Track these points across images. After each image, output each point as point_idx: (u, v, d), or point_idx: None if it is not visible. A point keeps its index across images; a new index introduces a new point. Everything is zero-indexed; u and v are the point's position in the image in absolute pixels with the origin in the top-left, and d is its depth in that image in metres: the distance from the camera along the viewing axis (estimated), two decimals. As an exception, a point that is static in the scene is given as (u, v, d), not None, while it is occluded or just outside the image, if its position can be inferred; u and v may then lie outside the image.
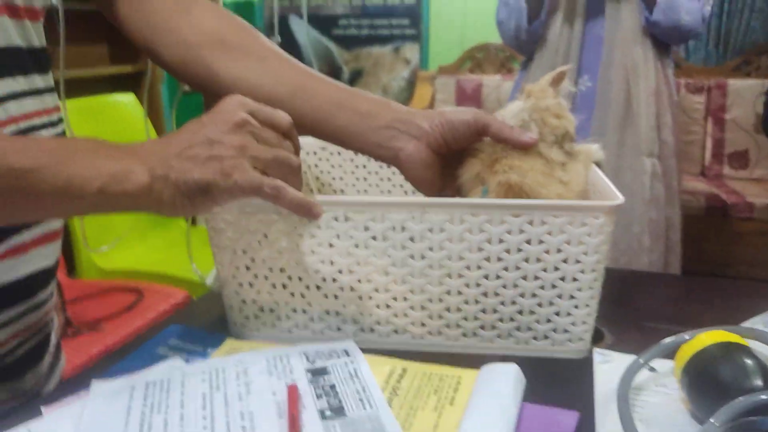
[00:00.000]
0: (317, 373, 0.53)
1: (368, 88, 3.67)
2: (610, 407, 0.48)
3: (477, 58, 3.35)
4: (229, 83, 0.62)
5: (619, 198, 0.54)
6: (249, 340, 0.62)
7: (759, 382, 0.43)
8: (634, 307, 0.71)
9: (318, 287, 0.59)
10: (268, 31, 3.70)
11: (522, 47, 1.55)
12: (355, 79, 3.69)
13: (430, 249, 0.56)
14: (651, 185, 1.43)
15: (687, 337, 0.50)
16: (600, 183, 0.62)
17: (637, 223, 1.43)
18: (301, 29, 3.67)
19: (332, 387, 0.51)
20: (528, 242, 0.54)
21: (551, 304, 0.57)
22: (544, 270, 0.55)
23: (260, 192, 0.50)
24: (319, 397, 0.49)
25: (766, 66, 2.99)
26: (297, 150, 0.55)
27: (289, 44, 3.66)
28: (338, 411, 0.48)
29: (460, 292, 0.57)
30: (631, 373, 0.50)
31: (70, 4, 2.18)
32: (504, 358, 0.58)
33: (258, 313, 0.61)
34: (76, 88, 1.98)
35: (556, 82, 0.64)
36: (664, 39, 1.43)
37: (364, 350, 0.57)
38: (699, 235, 2.59)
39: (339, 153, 0.86)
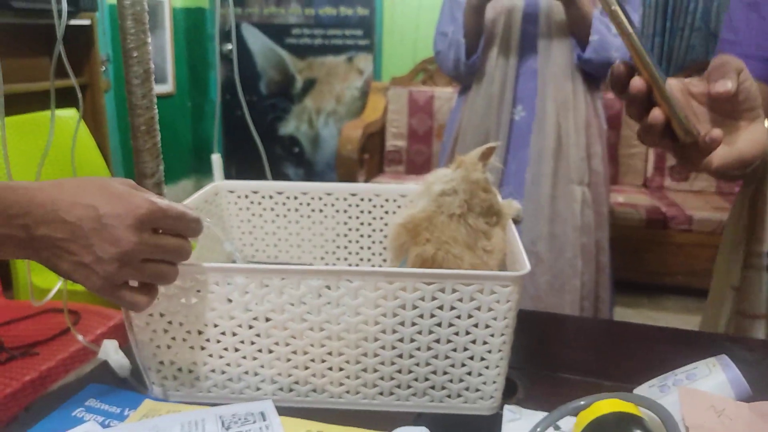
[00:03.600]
0: None
1: (322, 97, 3.67)
2: None
3: (429, 70, 3.39)
4: None
5: (526, 267, 0.56)
6: (168, 402, 0.62)
7: None
8: (551, 355, 0.74)
9: (236, 349, 0.60)
10: (221, 39, 3.66)
11: (460, 78, 1.59)
12: (308, 88, 3.68)
13: (346, 314, 0.57)
14: (582, 212, 1.49)
15: (583, 403, 0.52)
16: (514, 248, 0.64)
17: (570, 248, 1.49)
18: (254, 37, 3.64)
19: None
20: (440, 308, 0.56)
21: (463, 365, 0.59)
22: (456, 334, 0.57)
23: (132, 309, 0.54)
24: None
25: (705, 83, 3.11)
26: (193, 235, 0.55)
27: (242, 52, 3.62)
28: None
29: (376, 354, 0.58)
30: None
31: (8, 18, 2.11)
32: (419, 416, 0.60)
33: (176, 374, 0.61)
34: (15, 103, 1.92)
35: (485, 156, 0.67)
36: (594, 74, 1.50)
37: (283, 410, 0.58)
38: (639, 246, 2.70)
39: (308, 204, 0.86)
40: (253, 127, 1.14)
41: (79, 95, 0.96)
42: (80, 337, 0.66)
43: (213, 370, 0.61)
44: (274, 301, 0.57)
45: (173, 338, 0.60)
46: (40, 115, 1.86)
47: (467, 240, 0.63)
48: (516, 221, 0.70)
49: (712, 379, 0.56)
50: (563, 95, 1.47)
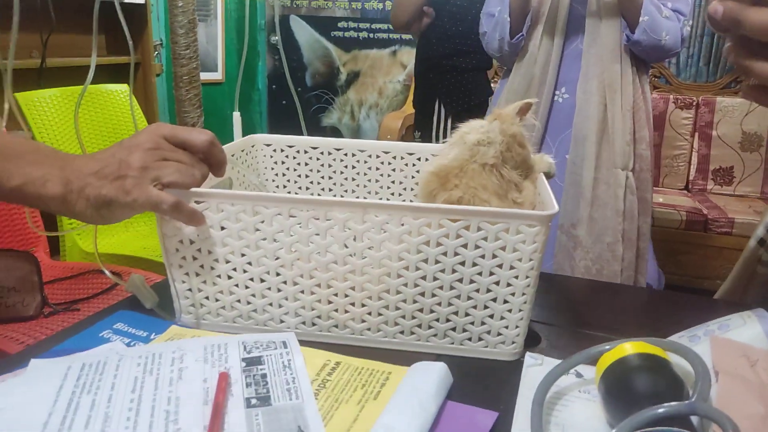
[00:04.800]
0: (251, 362, 0.54)
1: (365, 89, 3.69)
2: (528, 409, 0.50)
3: None
4: None
5: (554, 208, 0.55)
6: (194, 328, 0.63)
7: (673, 395, 0.44)
8: (574, 314, 0.73)
9: (262, 280, 0.61)
10: (269, 29, 3.72)
11: (504, 58, 1.58)
12: (351, 80, 3.71)
13: (371, 248, 0.57)
14: (624, 197, 1.46)
15: (609, 346, 0.51)
16: (543, 192, 0.63)
17: (610, 232, 1.46)
18: (302, 29, 3.69)
19: (263, 376, 0.52)
20: (465, 246, 0.56)
21: (486, 307, 0.58)
22: (480, 274, 0.57)
23: (158, 208, 0.55)
24: (248, 385, 0.51)
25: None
26: (217, 163, 0.61)
27: (289, 43, 3.68)
28: (264, 400, 0.49)
29: (398, 292, 0.59)
30: (552, 376, 0.52)
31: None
32: (439, 357, 0.60)
33: (203, 302, 0.63)
34: (71, 76, 2.00)
35: (523, 112, 0.66)
36: (643, 57, 1.46)
37: (305, 343, 0.59)
38: (679, 249, 2.62)
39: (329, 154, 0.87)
40: (301, 114, 1.15)
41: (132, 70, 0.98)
42: (107, 272, 0.68)
43: (239, 300, 0.62)
44: (300, 232, 0.57)
45: (201, 266, 0.61)
46: (94, 87, 1.93)
47: (498, 190, 0.63)
48: (548, 176, 0.69)
49: (747, 330, 0.53)
50: (610, 77, 1.44)
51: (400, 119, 3.03)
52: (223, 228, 0.59)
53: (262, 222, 0.58)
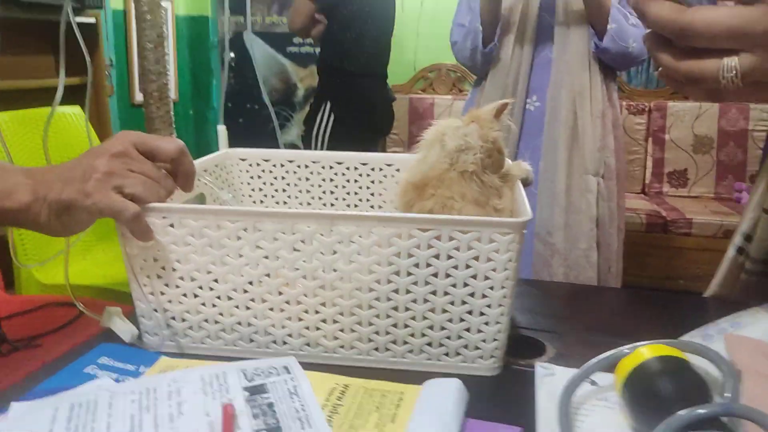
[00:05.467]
0: (255, 391, 0.50)
1: None
2: (552, 421, 0.48)
3: (429, 78, 3.41)
4: None
5: (528, 214, 0.55)
6: (182, 357, 0.59)
7: (698, 396, 0.43)
8: (576, 321, 0.73)
9: (229, 297, 0.58)
10: (221, 47, 3.67)
11: (476, 67, 1.60)
12: (310, 96, 3.69)
13: (341, 261, 0.55)
14: (597, 203, 1.48)
15: (626, 350, 0.49)
16: (518, 199, 0.63)
17: (585, 239, 1.48)
18: (257, 46, 3.65)
19: (270, 405, 0.49)
20: (437, 257, 0.54)
21: (461, 320, 0.57)
22: (454, 286, 0.55)
23: (119, 216, 0.53)
24: (255, 416, 0.47)
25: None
26: (185, 175, 0.59)
27: (243, 60, 3.62)
28: (275, 431, 0.46)
29: (371, 306, 0.57)
30: (572, 386, 0.50)
31: (15, 13, 2.11)
32: (423, 375, 0.58)
33: (170, 322, 0.60)
34: (20, 99, 1.91)
35: (500, 113, 0.66)
36: (611, 64, 1.49)
37: (307, 366, 0.56)
38: (640, 251, 2.68)
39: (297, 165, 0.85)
40: (277, 127, 1.11)
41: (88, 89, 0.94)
42: (80, 306, 0.63)
43: (206, 320, 0.59)
44: (267, 246, 0.55)
45: (166, 284, 0.58)
46: (44, 110, 1.85)
47: (478, 197, 0.62)
48: (525, 183, 0.68)
49: (760, 326, 0.52)
50: (579, 84, 1.46)
51: None
52: (187, 244, 0.56)
53: (228, 238, 0.55)
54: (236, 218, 0.55)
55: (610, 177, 1.54)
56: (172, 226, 0.56)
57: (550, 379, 0.55)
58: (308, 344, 0.59)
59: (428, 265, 0.55)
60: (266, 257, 0.56)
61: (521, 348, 0.63)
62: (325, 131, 2.30)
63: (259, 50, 3.66)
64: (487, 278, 0.55)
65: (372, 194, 0.85)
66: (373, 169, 0.84)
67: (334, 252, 0.55)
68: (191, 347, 0.61)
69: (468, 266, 0.55)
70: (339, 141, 2.25)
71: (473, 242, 0.54)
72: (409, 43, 3.43)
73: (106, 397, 0.49)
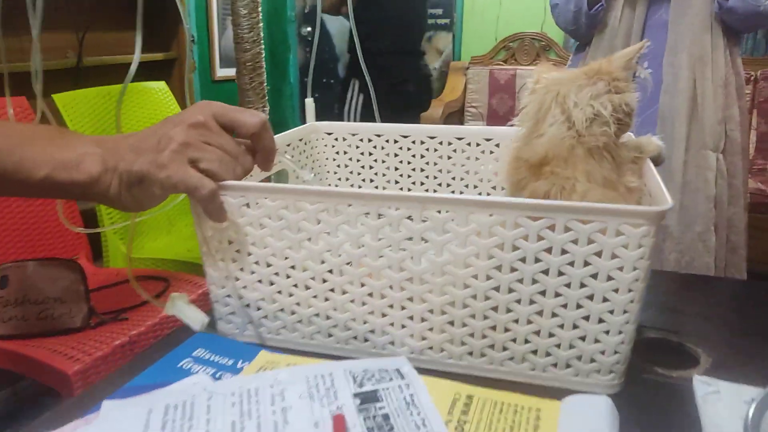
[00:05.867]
0: (367, 399, 0.44)
1: None
2: None
3: (511, 48, 3.19)
4: None
5: (667, 201, 0.43)
6: (281, 353, 0.54)
7: None
8: (722, 321, 0.61)
9: (307, 287, 0.52)
10: (300, 21, 3.64)
11: (579, 31, 1.44)
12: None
13: (431, 252, 0.47)
14: (716, 182, 1.30)
15: None
16: (651, 182, 0.51)
17: (701, 221, 1.30)
18: (333, 20, 3.59)
19: (385, 418, 0.42)
20: (548, 251, 0.45)
21: (575, 327, 0.47)
22: (568, 286, 0.46)
23: (194, 192, 0.48)
24: (370, 430, 0.41)
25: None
26: (265, 151, 0.53)
27: (321, 34, 3.56)
28: None
29: (465, 305, 0.48)
30: (759, 411, 0.40)
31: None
32: (514, 385, 0.49)
33: (245, 310, 0.55)
34: (107, 74, 1.98)
35: (632, 62, 0.54)
36: (736, 26, 1.29)
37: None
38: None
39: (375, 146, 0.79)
40: (374, 97, 1.06)
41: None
42: (141, 291, 0.60)
43: (282, 310, 0.54)
44: (349, 231, 0.48)
45: (241, 269, 0.54)
46: (131, 85, 1.89)
47: (608, 175, 0.51)
48: (657, 161, 0.56)
49: None
50: (700, 49, 1.28)
51: (440, 107, 2.89)
52: (263, 226, 0.51)
53: (305, 220, 0.49)
54: (316, 199, 0.48)
55: (735, 152, 1.36)
56: (248, 206, 0.51)
57: (715, 397, 0.44)
58: (392, 343, 0.52)
59: (537, 260, 0.45)
60: (348, 244, 0.49)
61: (654, 352, 0.52)
62: (356, 110, 2.26)
63: (336, 24, 3.58)
64: (610, 278, 0.45)
65: (467, 172, 0.76)
66: (469, 144, 0.75)
67: (425, 240, 0.47)
68: (267, 338, 0.56)
69: (587, 263, 0.44)
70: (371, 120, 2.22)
71: (595, 234, 0.43)
72: (490, 12, 3.23)
73: (204, 398, 0.44)
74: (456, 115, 3.15)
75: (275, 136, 0.68)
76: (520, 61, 3.18)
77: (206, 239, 0.53)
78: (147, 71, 2.08)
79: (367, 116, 2.25)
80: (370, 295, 0.51)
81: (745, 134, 1.39)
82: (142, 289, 0.61)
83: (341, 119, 2.36)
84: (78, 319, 1.17)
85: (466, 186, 0.77)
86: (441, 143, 0.76)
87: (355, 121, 2.30)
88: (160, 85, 1.95)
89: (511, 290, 0.47)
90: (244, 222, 0.51)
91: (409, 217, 0.47)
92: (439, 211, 0.46)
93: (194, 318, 0.56)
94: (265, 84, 1.05)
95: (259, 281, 0.53)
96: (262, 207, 0.50)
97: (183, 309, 0.55)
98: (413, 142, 0.77)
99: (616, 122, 0.53)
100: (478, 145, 0.75)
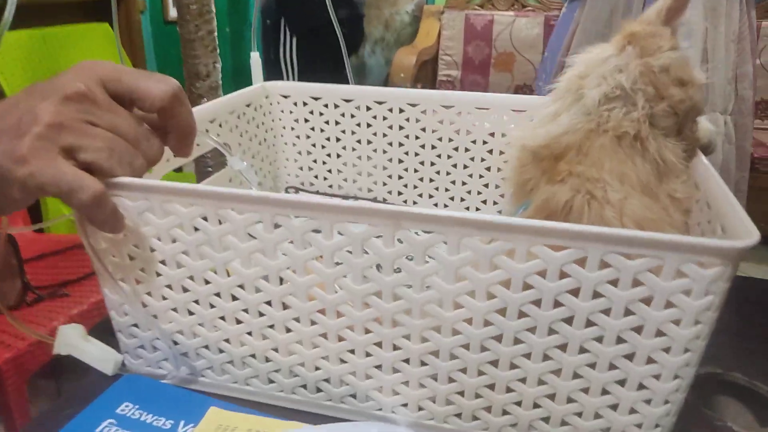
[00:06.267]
0: None
1: (368, 22, 3.31)
2: None
3: None
4: None
5: (753, 234, 0.30)
6: (241, 413, 0.39)
7: None
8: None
9: (238, 320, 0.38)
10: None
11: None
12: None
13: (408, 285, 0.34)
14: (722, 146, 1.20)
15: None
16: (718, 194, 0.37)
17: None
18: None
19: None
20: (575, 294, 0.31)
21: (605, 392, 0.34)
22: (599, 340, 0.32)
23: (68, 196, 0.33)
24: None
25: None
26: (180, 131, 0.37)
27: None
28: None
29: (453, 356, 0.35)
30: None
31: None
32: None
33: (155, 344, 0.41)
34: (41, 15, 1.74)
35: (673, 13, 0.40)
36: None
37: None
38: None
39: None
40: (345, 51, 0.91)
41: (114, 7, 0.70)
42: (34, 332, 0.44)
43: (206, 347, 0.40)
44: (294, 253, 0.34)
45: (149, 294, 0.39)
46: (69, 28, 1.67)
47: (646, 178, 0.37)
48: (707, 151, 0.43)
49: None
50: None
51: (414, 55, 2.70)
52: (175, 240, 0.37)
53: (233, 235, 0.35)
54: (247, 207, 0.34)
55: (747, 113, 1.27)
56: (152, 212, 0.36)
57: None
58: (353, 395, 0.39)
59: (558, 304, 0.32)
60: (291, 269, 0.35)
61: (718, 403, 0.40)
62: (291, 54, 2.08)
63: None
64: (661, 334, 0.31)
65: (456, 148, 0.62)
66: (459, 114, 0.60)
67: (398, 270, 0.33)
68: (188, 379, 0.42)
69: (629, 312, 0.31)
70: (308, 63, 2.03)
71: (644, 273, 0.30)
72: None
73: None
74: (429, 64, 2.96)
75: (218, 100, 0.52)
76: (498, 6, 2.97)
77: (97, 253, 0.38)
78: (89, 11, 1.83)
79: (304, 64, 2.05)
80: (324, 336, 0.37)
81: (754, 95, 1.30)
82: (86, 257, 0.46)
83: (278, 67, 2.13)
84: (11, 297, 1.02)
85: (454, 166, 0.62)
86: (423, 112, 0.61)
87: (292, 70, 2.08)
88: (104, 27, 1.71)
89: (518, 341, 0.33)
90: (149, 233, 0.37)
91: (378, 236, 0.33)
92: (418, 233, 0.32)
93: (101, 358, 0.41)
94: (218, 31, 0.88)
95: (174, 309, 0.39)
96: (172, 214, 0.36)
97: (82, 347, 0.41)
98: (390, 110, 0.62)
99: (653, 95, 0.39)
100: (469, 114, 0.60)
